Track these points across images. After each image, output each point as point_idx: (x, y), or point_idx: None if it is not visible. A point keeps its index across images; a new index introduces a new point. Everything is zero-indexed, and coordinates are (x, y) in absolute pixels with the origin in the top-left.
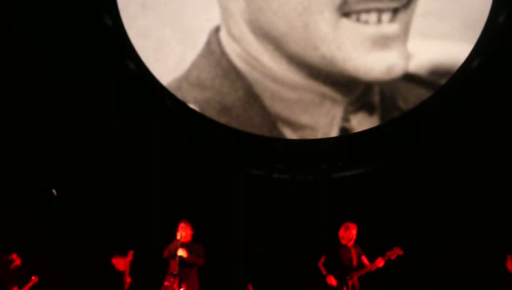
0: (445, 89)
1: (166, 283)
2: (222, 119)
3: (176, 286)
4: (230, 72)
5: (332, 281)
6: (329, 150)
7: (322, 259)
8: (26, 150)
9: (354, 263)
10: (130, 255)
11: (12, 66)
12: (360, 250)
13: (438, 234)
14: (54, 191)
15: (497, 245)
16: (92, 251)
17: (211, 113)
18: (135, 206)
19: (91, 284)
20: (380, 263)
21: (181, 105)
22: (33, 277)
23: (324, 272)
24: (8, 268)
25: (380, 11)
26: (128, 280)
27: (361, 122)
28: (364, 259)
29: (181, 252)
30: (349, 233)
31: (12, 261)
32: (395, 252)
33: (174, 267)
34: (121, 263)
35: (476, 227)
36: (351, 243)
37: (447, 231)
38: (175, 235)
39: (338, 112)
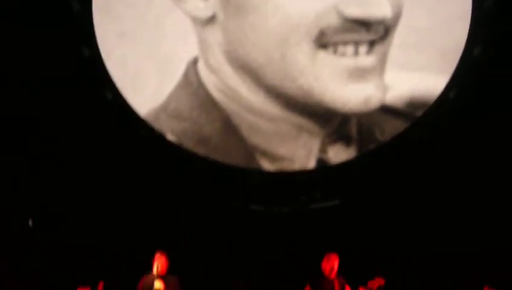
0: (422, 120)
1: None
2: (199, 151)
3: None
4: (208, 103)
5: None
6: (307, 181)
7: None
8: None
9: None
10: (100, 287)
11: None
12: (343, 281)
13: (419, 262)
14: (30, 221)
15: (475, 275)
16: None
17: (188, 144)
18: (109, 237)
19: None
20: None
21: (158, 136)
22: None
23: None
24: None
25: (357, 43)
26: None
27: (338, 154)
28: None
29: (158, 285)
30: (331, 264)
31: None
32: (377, 282)
33: None
34: None
35: (455, 259)
36: (333, 275)
37: (427, 259)
38: (150, 267)
39: (315, 144)
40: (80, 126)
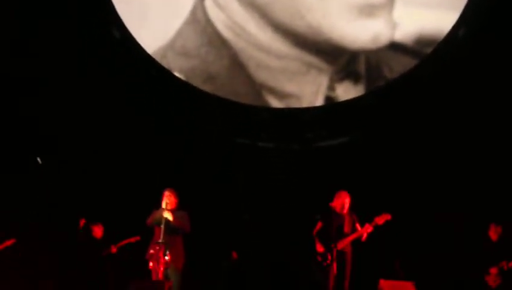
0: (431, 57)
1: (151, 251)
2: (207, 88)
3: (161, 254)
4: (216, 40)
5: (319, 248)
6: (314, 119)
7: (317, 227)
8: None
9: (345, 230)
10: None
11: None
12: (356, 218)
13: (424, 200)
14: (38, 159)
15: (481, 212)
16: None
17: (196, 82)
18: (120, 177)
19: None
20: (368, 229)
21: (166, 74)
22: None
23: (316, 240)
24: None
25: None
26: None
27: (346, 91)
28: (358, 227)
29: (167, 215)
30: (342, 200)
31: None
32: (383, 218)
33: (159, 236)
34: (98, 230)
35: (462, 194)
36: (345, 211)
37: (433, 197)
38: (159, 204)
39: (324, 81)
40: (89, 65)
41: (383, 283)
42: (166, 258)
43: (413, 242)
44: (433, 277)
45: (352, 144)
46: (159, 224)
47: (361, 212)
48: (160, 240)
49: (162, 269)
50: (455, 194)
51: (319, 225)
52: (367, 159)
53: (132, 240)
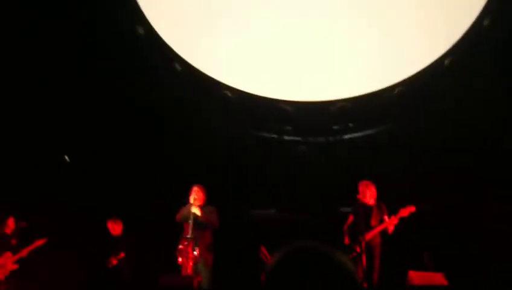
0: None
1: (180, 247)
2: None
3: (190, 249)
4: None
5: (346, 241)
6: (340, 111)
7: (349, 221)
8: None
9: (373, 221)
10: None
11: None
12: (384, 209)
13: (451, 192)
14: (66, 157)
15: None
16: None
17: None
18: (145, 171)
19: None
20: (393, 221)
21: (190, 68)
22: (40, 241)
23: (345, 233)
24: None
25: None
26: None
27: None
28: (386, 218)
29: (195, 210)
30: (366, 190)
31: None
32: (408, 210)
33: (187, 231)
34: (117, 227)
35: (489, 187)
36: (371, 201)
37: (459, 189)
38: (188, 200)
39: None
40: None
41: (412, 274)
42: (195, 253)
43: (443, 233)
44: (463, 268)
45: (378, 135)
46: (187, 220)
47: (388, 204)
48: (188, 236)
49: (191, 264)
50: (483, 183)
51: (350, 218)
52: (393, 151)
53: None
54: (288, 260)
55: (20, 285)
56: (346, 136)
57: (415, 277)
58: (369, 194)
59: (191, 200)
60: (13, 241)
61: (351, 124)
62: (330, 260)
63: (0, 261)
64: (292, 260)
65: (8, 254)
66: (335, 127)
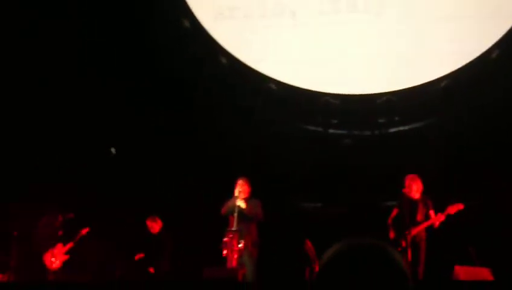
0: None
1: (225, 239)
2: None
3: (235, 241)
4: None
5: (391, 235)
6: (386, 104)
7: (393, 214)
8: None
9: (419, 216)
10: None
11: None
12: (430, 203)
13: (497, 188)
14: (112, 149)
15: None
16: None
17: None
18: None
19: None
20: (440, 218)
21: (235, 61)
22: (83, 230)
23: (389, 227)
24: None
25: None
26: None
27: None
28: (432, 213)
29: (240, 203)
30: (412, 184)
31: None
32: (455, 207)
33: (233, 224)
34: (155, 225)
35: None
36: (417, 196)
37: (506, 183)
38: (232, 193)
39: None
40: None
41: (458, 269)
42: (240, 246)
43: (489, 228)
44: (509, 263)
45: (424, 129)
46: (232, 213)
47: (434, 198)
48: (233, 228)
49: (235, 256)
50: None
51: (395, 212)
52: (439, 144)
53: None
54: (341, 255)
55: (73, 275)
56: (392, 130)
57: (461, 272)
58: (415, 188)
59: (236, 193)
60: (60, 233)
61: (397, 118)
62: (384, 255)
63: (53, 252)
64: (345, 255)
65: (60, 245)
66: (381, 121)
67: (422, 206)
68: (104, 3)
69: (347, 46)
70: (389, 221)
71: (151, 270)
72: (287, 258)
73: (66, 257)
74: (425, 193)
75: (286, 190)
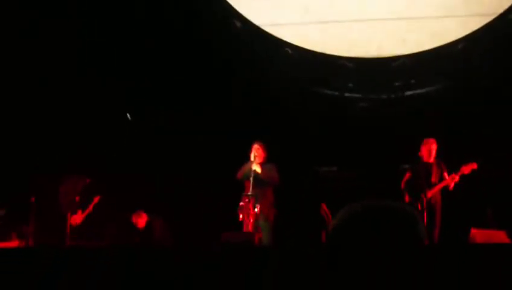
0: None
1: (241, 204)
2: None
3: (251, 206)
4: None
5: (406, 199)
6: (401, 67)
7: (405, 177)
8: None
9: (433, 179)
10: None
11: None
12: (443, 166)
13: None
14: (128, 115)
15: None
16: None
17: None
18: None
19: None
20: (455, 178)
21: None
22: (96, 197)
23: (403, 191)
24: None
25: None
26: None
27: None
28: (446, 176)
29: (255, 167)
30: (428, 148)
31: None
32: (469, 167)
33: (248, 188)
34: (141, 221)
35: None
36: (431, 159)
37: None
38: (248, 158)
39: None
40: None
41: (474, 231)
42: (256, 210)
43: (506, 190)
44: None
45: (441, 92)
46: (248, 177)
47: (451, 160)
48: (249, 193)
49: (251, 220)
50: None
51: (408, 175)
52: (455, 108)
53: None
54: (357, 216)
55: (91, 241)
56: (408, 93)
57: (477, 234)
58: (429, 152)
59: (252, 158)
60: (77, 198)
61: (413, 81)
62: (400, 217)
63: (75, 220)
64: (361, 215)
65: (79, 212)
66: (397, 84)
67: (437, 169)
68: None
69: (363, 8)
70: (402, 185)
71: None
72: (303, 222)
73: (84, 223)
74: (439, 156)
75: (302, 153)
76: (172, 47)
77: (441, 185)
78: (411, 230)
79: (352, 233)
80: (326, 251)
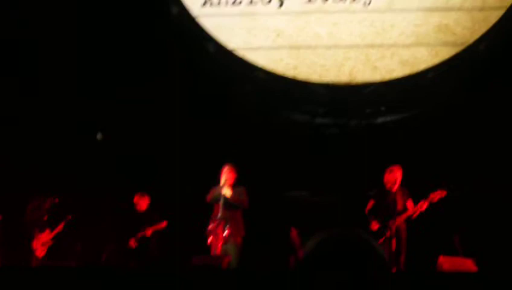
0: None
1: (210, 227)
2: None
3: (220, 230)
4: None
5: (374, 226)
6: (372, 94)
7: (369, 205)
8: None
9: (399, 207)
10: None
11: None
12: (407, 194)
13: (482, 177)
14: (99, 135)
15: None
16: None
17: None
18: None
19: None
20: (423, 206)
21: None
22: (66, 217)
23: (369, 218)
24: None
25: None
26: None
27: None
28: (410, 203)
29: (225, 190)
30: (392, 176)
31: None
32: (438, 195)
33: (218, 211)
34: (142, 203)
35: None
36: (395, 187)
37: (490, 175)
38: (218, 180)
39: None
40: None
41: (442, 259)
42: (225, 233)
43: (473, 218)
44: (493, 253)
45: (411, 119)
46: (217, 200)
47: (419, 188)
48: (218, 216)
49: (220, 244)
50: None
51: (371, 202)
52: (424, 135)
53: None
54: (325, 246)
55: (59, 261)
56: (379, 120)
57: (445, 262)
58: (394, 180)
59: (222, 181)
60: (45, 218)
61: (383, 108)
62: (365, 246)
63: (42, 239)
64: (327, 245)
65: (47, 231)
66: (367, 110)
67: (401, 197)
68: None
69: (335, 34)
70: (366, 211)
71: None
72: (272, 246)
73: (51, 243)
74: (408, 183)
75: (272, 178)
76: (140, 71)
77: (410, 212)
78: (376, 260)
79: (320, 265)
80: (294, 280)
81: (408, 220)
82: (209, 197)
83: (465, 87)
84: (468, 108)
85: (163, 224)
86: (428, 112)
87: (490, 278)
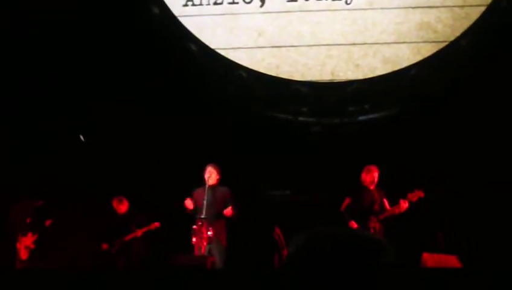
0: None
1: (194, 227)
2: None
3: (204, 229)
4: None
5: (353, 225)
6: (355, 92)
7: (345, 203)
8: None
9: (376, 206)
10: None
11: None
12: (383, 193)
13: (461, 177)
14: (81, 136)
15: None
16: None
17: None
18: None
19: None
20: (403, 205)
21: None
22: (48, 220)
23: (346, 216)
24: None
25: None
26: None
27: None
28: (386, 202)
29: (209, 190)
30: (370, 175)
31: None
32: (416, 195)
33: (202, 211)
34: (122, 206)
35: (498, 171)
36: (373, 186)
37: (470, 175)
38: (201, 180)
39: None
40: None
41: (426, 256)
42: (209, 233)
43: (449, 219)
44: (477, 249)
45: (392, 118)
46: (201, 200)
47: (397, 188)
48: (203, 216)
49: (205, 244)
50: (493, 171)
51: (347, 200)
52: (406, 134)
53: (152, 227)
54: (312, 244)
55: (41, 264)
56: (362, 118)
57: (429, 259)
58: (372, 179)
59: (206, 180)
60: (28, 220)
61: (366, 106)
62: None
63: (24, 242)
64: (314, 243)
65: (29, 234)
66: (350, 109)
67: (377, 196)
68: None
69: (317, 33)
70: (342, 209)
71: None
72: (256, 245)
73: (34, 246)
74: (390, 182)
75: (255, 177)
76: (121, 71)
77: (390, 212)
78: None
79: (308, 261)
80: (281, 278)
81: (385, 220)
82: (190, 202)
83: (447, 84)
84: (451, 105)
85: (156, 225)
86: (411, 109)
87: (474, 275)
